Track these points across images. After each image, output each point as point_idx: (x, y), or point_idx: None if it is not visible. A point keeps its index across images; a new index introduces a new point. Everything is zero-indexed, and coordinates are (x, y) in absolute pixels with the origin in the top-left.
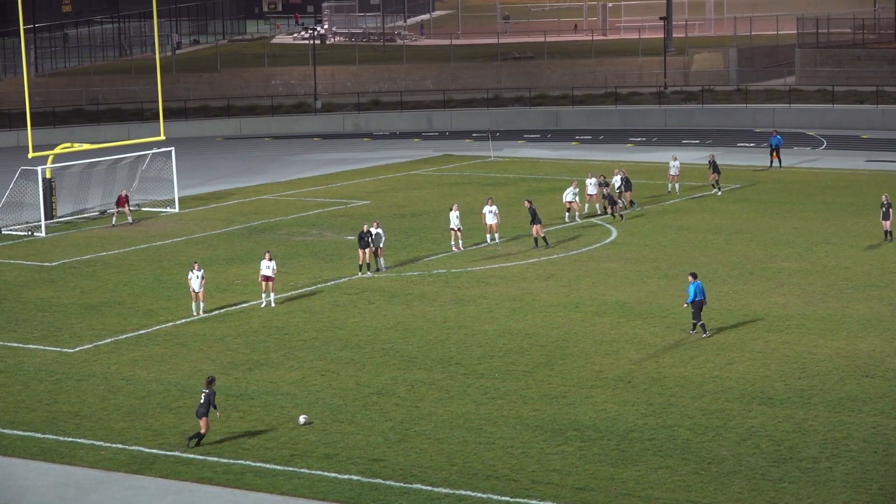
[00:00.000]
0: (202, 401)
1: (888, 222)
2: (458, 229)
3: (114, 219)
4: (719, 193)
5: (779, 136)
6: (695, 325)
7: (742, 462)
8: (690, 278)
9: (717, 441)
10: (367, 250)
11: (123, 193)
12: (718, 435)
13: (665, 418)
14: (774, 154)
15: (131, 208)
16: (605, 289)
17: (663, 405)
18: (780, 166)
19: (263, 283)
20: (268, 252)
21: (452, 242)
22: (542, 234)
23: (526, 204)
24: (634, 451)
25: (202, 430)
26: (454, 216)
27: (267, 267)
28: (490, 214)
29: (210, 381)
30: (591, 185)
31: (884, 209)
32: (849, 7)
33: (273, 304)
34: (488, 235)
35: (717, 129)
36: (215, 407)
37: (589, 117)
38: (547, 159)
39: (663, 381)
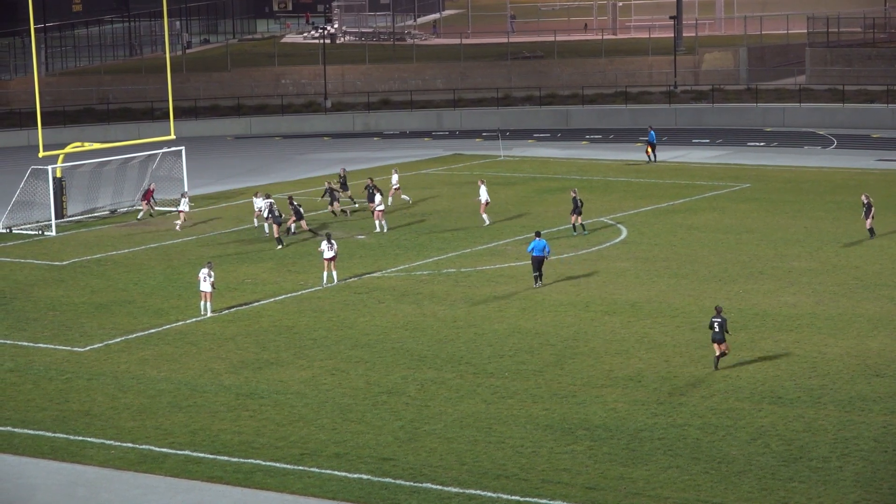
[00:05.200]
0: (716, 329)
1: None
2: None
3: (140, 214)
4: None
5: (653, 132)
6: (536, 277)
7: (752, 461)
8: (534, 235)
9: (727, 440)
10: (277, 226)
11: (151, 187)
12: (728, 434)
13: (675, 418)
14: (650, 149)
15: (154, 201)
16: (615, 288)
17: (673, 404)
18: (655, 161)
19: (326, 263)
20: (328, 234)
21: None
22: (580, 222)
23: (572, 194)
24: (644, 450)
25: (719, 353)
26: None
27: (329, 249)
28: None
29: (719, 311)
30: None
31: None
32: (859, 6)
33: (335, 282)
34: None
35: (727, 128)
36: (728, 332)
37: (599, 116)
38: (557, 158)
39: (673, 380)
